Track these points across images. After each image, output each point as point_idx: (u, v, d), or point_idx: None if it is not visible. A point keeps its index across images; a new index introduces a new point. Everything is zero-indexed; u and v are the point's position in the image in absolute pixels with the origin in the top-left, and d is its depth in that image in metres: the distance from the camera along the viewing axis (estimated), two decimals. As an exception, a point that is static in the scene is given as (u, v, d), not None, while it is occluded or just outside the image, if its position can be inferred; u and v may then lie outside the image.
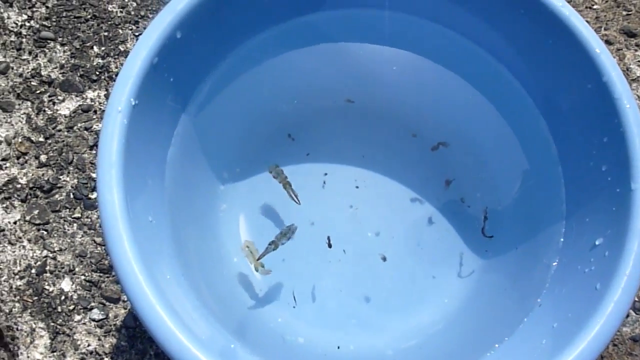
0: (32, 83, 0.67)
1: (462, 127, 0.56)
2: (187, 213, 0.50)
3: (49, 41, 0.68)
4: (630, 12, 0.82)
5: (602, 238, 0.40)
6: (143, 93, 0.40)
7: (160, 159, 0.45)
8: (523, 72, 0.49)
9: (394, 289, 0.53)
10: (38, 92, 0.66)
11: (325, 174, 0.57)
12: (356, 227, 0.56)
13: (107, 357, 0.58)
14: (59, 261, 0.61)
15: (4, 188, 0.63)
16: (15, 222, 0.62)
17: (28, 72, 0.67)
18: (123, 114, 0.39)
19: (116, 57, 0.68)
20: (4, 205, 0.62)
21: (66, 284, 0.60)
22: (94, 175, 0.64)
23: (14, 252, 0.61)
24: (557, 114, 0.47)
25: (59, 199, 0.63)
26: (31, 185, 0.63)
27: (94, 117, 0.66)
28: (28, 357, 0.58)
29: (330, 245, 0.54)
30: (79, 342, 0.58)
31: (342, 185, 0.57)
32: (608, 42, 0.79)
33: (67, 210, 0.62)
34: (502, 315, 0.46)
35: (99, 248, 0.61)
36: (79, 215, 0.62)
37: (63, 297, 0.59)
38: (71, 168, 0.64)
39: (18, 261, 0.60)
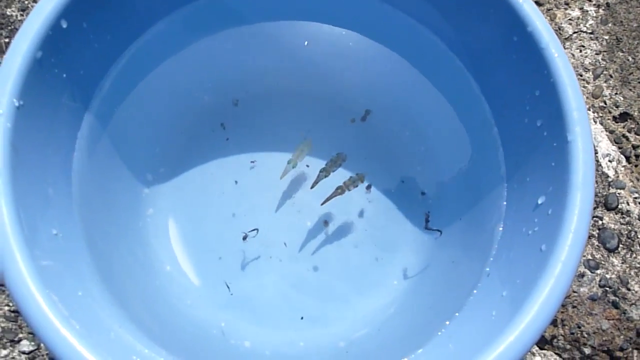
0: None
1: (396, 101, 0.53)
2: (106, 222, 0.46)
3: (-57, 54, 0.62)
4: (556, -28, 0.81)
5: (544, 196, 0.38)
6: (29, 92, 0.36)
7: (63, 165, 0.41)
8: (448, 34, 0.46)
9: (340, 278, 0.50)
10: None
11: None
12: (296, 217, 0.53)
13: (42, 389, 0.53)
14: (-23, 292, 0.55)
15: None
16: None
17: None
18: (5, 117, 0.34)
19: (22, 64, 0.63)
20: None
21: (-12, 316, 0.55)
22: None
23: None
24: (487, 74, 0.45)
25: (-29, 224, 0.57)
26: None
27: None
28: (-49, 401, 0.52)
29: (245, 238, 0.51)
30: (8, 378, 0.53)
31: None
32: (538, 3, 0.78)
33: (-18, 235, 0.57)
34: (452, 291, 0.43)
35: (21, 272, 0.56)
36: (-5, 239, 0.57)
37: (-14, 331, 0.54)
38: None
39: None
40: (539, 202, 0.38)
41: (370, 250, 0.51)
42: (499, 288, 0.37)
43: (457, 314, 0.39)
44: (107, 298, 0.40)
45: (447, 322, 0.39)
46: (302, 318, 0.48)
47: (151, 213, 0.51)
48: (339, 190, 0.49)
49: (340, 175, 0.50)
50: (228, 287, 0.49)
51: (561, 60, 0.38)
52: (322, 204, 0.49)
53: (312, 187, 0.50)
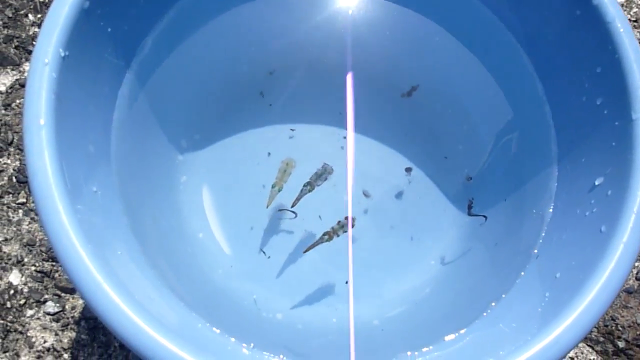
0: (-38, 58, 0.60)
1: (439, 77, 0.51)
2: (141, 186, 0.45)
3: (-23, 11, 0.61)
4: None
5: (602, 177, 0.36)
6: (74, 43, 0.35)
7: (103, 124, 0.40)
8: (501, 6, 0.44)
9: (375, 255, 0.49)
10: (-31, 68, 0.60)
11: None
12: (331, 191, 0.51)
13: (66, 353, 0.53)
14: (4, 252, 0.55)
15: (-63, 176, 0.56)
16: (-48, 213, 0.55)
17: (-44, 47, 0.60)
18: (51, 66, 0.33)
19: (55, 25, 0.62)
20: (-62, 194, 0.56)
21: (15, 277, 0.54)
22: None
23: (-48, 245, 0.54)
24: (542, 49, 0.43)
25: (0, 184, 0.57)
26: (-32, 170, 0.57)
27: (35, 92, 0.59)
28: (-24, 359, 0.52)
29: (280, 210, 0.50)
30: (33, 339, 0.53)
31: (322, 146, 0.52)
32: (581, -12, 0.76)
33: (10, 195, 0.56)
34: (496, 272, 0.42)
35: (49, 235, 0.55)
36: (24, 200, 0.56)
37: (12, 292, 0.54)
38: (12, 149, 0.57)
39: (-42, 255, 0.54)
40: (596, 183, 0.36)
41: (407, 230, 0.49)
42: (550, 270, 0.36)
43: (504, 296, 0.38)
44: (143, 260, 0.39)
45: (493, 304, 0.38)
46: (335, 293, 0.47)
47: (185, 180, 0.50)
48: (326, 237, 0.45)
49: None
50: (264, 253, 0.48)
51: (627, 36, 0.37)
52: (304, 252, 0.45)
53: (292, 205, 0.45)
